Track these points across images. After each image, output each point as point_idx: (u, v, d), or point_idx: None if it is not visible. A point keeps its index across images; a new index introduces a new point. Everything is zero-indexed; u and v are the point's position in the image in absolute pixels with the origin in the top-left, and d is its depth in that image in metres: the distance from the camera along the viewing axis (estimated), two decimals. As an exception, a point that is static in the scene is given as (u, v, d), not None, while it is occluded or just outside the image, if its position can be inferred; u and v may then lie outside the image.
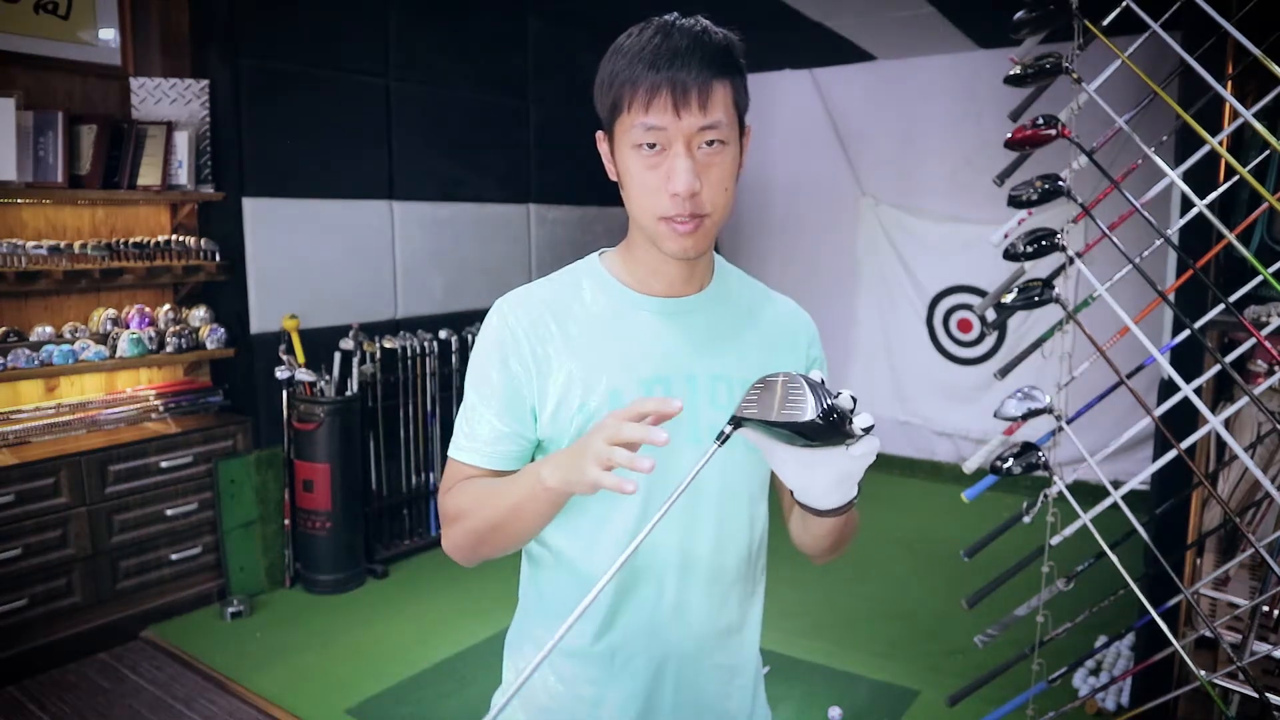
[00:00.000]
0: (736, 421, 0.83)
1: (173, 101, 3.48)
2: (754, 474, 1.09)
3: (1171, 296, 1.80)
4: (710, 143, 0.95)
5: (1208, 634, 1.65)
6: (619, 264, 1.09)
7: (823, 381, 0.81)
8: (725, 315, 1.10)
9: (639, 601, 1.06)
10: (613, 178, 1.04)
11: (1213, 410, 1.75)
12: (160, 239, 3.45)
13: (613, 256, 1.11)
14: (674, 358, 1.05)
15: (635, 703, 1.07)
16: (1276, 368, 1.80)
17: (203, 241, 3.54)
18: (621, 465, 0.81)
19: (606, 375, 1.02)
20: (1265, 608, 1.83)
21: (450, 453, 1.08)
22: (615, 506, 1.03)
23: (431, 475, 4.25)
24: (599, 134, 1.04)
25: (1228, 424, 1.72)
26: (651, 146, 0.95)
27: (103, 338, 3.35)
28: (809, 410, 0.77)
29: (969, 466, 1.93)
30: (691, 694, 1.09)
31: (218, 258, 3.57)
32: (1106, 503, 1.76)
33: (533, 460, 1.07)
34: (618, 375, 1.02)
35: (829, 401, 0.78)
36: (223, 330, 3.61)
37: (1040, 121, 1.73)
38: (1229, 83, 1.77)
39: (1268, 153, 2.09)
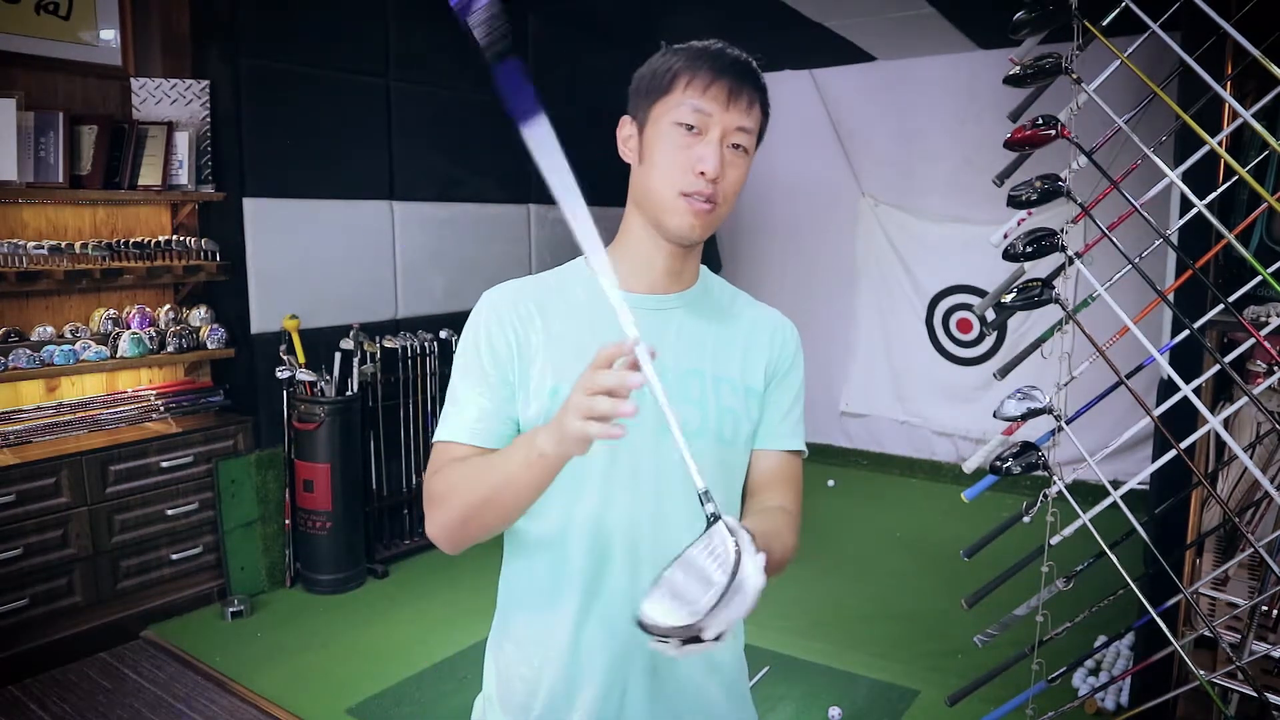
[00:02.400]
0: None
1: (173, 102, 3.49)
2: (722, 464, 1.11)
3: (1171, 296, 1.80)
4: (736, 146, 1.04)
5: (1207, 634, 1.66)
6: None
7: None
8: (704, 314, 1.14)
9: (613, 595, 1.07)
10: (626, 159, 1.10)
11: (1212, 410, 1.75)
12: (161, 239, 3.45)
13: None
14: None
15: (613, 697, 1.09)
16: (1275, 368, 1.80)
17: (203, 241, 3.55)
18: (605, 413, 0.82)
19: (582, 364, 1.04)
20: (1264, 607, 1.83)
21: (436, 436, 1.10)
22: (578, 492, 1.06)
23: (432, 475, 4.25)
24: (623, 119, 1.11)
25: (1227, 424, 1.72)
26: (690, 129, 1.02)
27: (103, 338, 3.35)
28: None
29: (969, 466, 1.93)
30: (670, 687, 1.10)
31: (218, 258, 3.57)
32: (1106, 502, 1.76)
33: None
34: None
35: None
36: (223, 330, 3.61)
37: (1040, 122, 1.73)
38: (1228, 83, 1.78)
39: (1267, 153, 2.09)
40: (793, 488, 1.16)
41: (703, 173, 1.01)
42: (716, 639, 0.75)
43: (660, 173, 1.04)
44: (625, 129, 1.11)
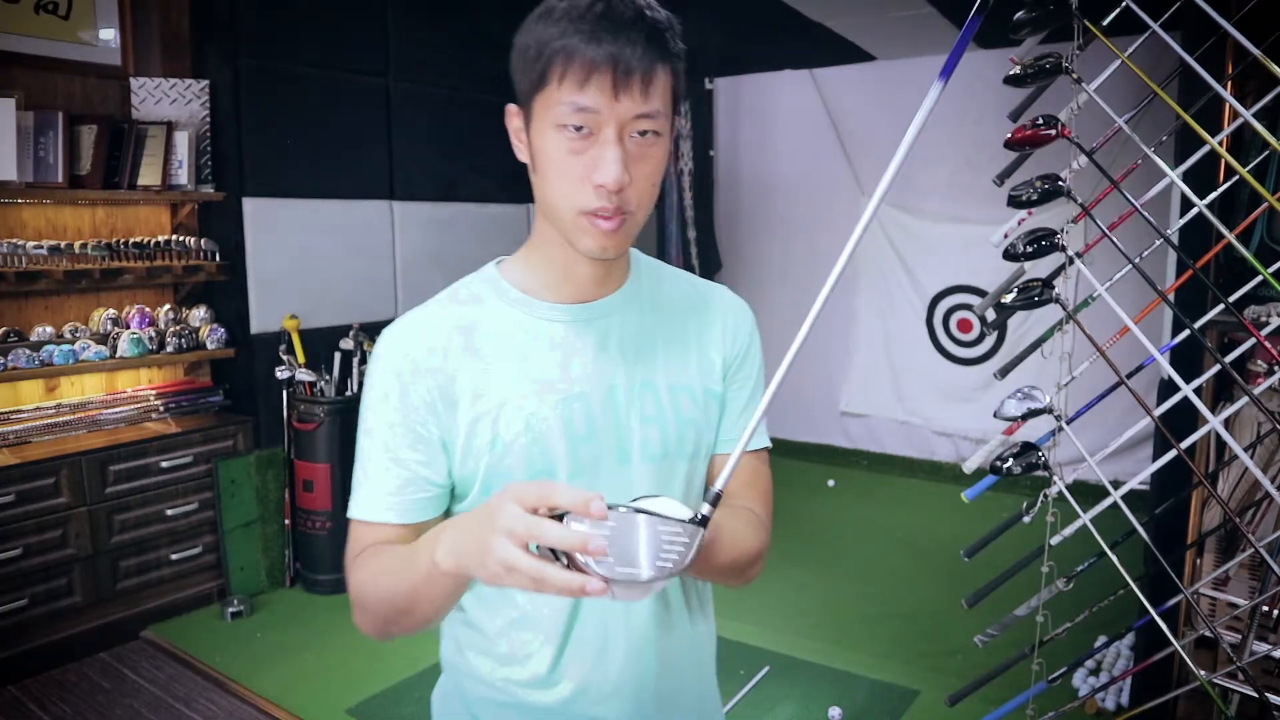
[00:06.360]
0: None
1: (173, 101, 3.49)
2: (689, 482, 1.01)
3: (1171, 296, 1.80)
4: (644, 133, 0.84)
5: (1207, 634, 1.65)
6: (522, 271, 0.97)
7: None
8: (646, 314, 0.99)
9: (584, 646, 0.97)
10: (521, 159, 0.91)
11: (1212, 410, 1.75)
12: (160, 239, 3.45)
13: (514, 264, 0.98)
14: (592, 370, 0.94)
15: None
16: (1276, 368, 1.80)
17: (203, 241, 3.55)
18: (530, 574, 0.67)
19: (519, 401, 0.92)
20: (1265, 608, 1.83)
21: (350, 511, 0.94)
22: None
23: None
24: (510, 108, 0.90)
25: (1227, 424, 1.72)
26: (578, 129, 0.82)
27: (103, 338, 3.35)
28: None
29: (969, 466, 1.92)
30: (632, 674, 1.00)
31: (218, 258, 3.57)
32: (1106, 502, 1.76)
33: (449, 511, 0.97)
34: (531, 399, 0.92)
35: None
36: (223, 330, 3.61)
37: (1040, 122, 1.73)
38: (1229, 83, 1.77)
39: (1267, 153, 2.09)
40: (759, 489, 1.04)
41: (602, 185, 0.82)
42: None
43: (554, 188, 0.86)
44: (513, 120, 0.90)
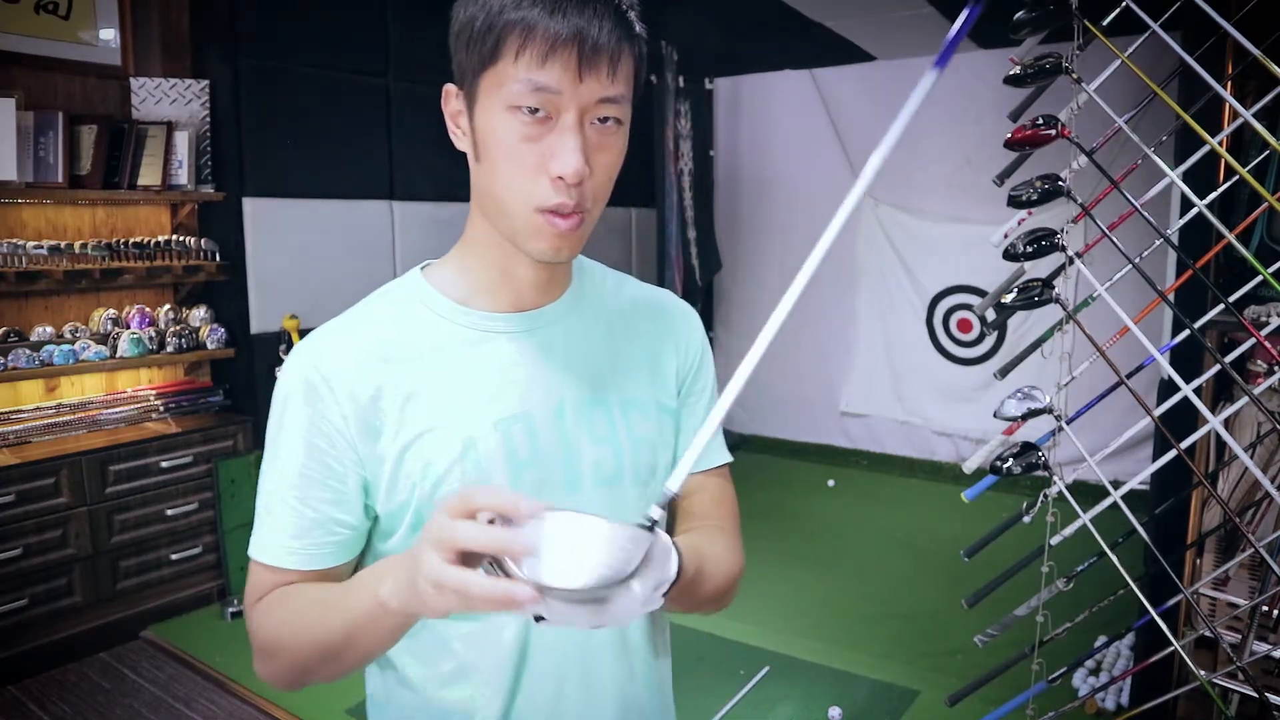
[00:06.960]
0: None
1: (173, 101, 3.49)
2: (646, 506, 0.94)
3: (1171, 296, 1.80)
4: (606, 119, 0.76)
5: (1207, 634, 1.65)
6: (453, 277, 0.88)
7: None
8: (593, 323, 0.90)
9: (536, 697, 0.87)
10: (460, 146, 0.82)
11: (1212, 410, 1.75)
12: (160, 239, 3.45)
13: (442, 270, 0.89)
14: (536, 386, 0.85)
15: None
16: (1276, 368, 1.80)
17: (203, 241, 3.55)
18: (454, 586, 0.61)
19: (454, 425, 0.82)
20: (1265, 608, 1.83)
21: (250, 552, 0.84)
22: None
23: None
24: (448, 88, 0.81)
25: (1227, 424, 1.72)
26: (534, 112, 0.73)
27: (103, 338, 3.35)
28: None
29: (969, 466, 1.92)
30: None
31: (218, 258, 3.57)
32: (1106, 502, 1.76)
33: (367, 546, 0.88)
34: (468, 422, 0.82)
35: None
36: (223, 330, 3.61)
37: (1040, 121, 1.73)
38: (1229, 83, 1.78)
39: (1267, 153, 2.09)
40: (727, 508, 0.96)
41: (561, 176, 0.74)
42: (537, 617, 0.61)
43: (504, 180, 0.77)
44: (451, 102, 0.81)
